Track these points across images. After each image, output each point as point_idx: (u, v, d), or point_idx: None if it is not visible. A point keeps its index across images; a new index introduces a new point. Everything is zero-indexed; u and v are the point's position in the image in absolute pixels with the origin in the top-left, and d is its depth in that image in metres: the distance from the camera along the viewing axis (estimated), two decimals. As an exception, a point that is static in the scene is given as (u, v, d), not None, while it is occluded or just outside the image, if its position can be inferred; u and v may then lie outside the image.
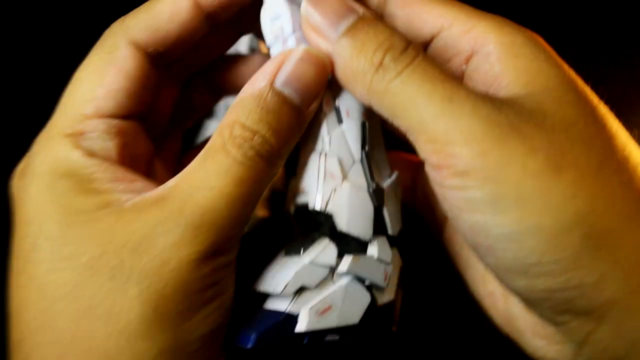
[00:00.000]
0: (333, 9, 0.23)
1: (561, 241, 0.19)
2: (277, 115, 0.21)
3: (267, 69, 0.22)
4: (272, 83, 0.22)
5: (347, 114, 0.24)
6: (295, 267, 0.23)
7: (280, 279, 0.23)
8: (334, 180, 0.24)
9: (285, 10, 0.24)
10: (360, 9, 0.23)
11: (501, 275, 0.21)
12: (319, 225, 0.24)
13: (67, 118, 0.22)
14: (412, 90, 0.20)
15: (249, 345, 0.22)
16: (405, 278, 0.27)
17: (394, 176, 0.26)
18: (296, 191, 0.26)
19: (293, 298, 0.23)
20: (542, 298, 0.20)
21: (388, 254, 0.25)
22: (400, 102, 0.21)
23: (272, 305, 0.23)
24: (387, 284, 0.25)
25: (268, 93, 0.21)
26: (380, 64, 0.21)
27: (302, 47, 0.23)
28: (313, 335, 0.23)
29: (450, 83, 0.20)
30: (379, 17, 0.26)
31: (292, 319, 0.23)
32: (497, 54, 0.22)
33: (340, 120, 0.25)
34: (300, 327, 0.22)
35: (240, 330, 0.23)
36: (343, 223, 0.24)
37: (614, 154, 0.20)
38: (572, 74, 0.22)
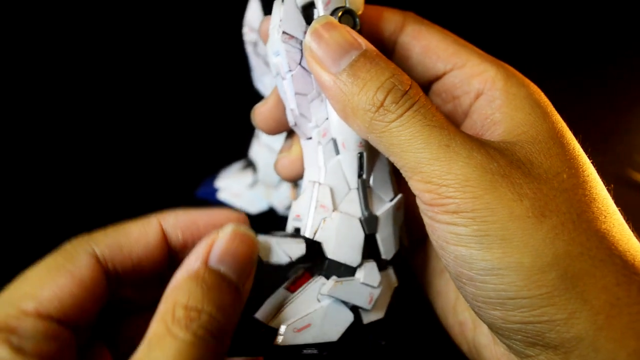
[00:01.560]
0: (336, 42, 0.23)
1: (538, 279, 0.20)
2: (218, 292, 0.20)
3: (199, 250, 0.21)
4: (206, 263, 0.21)
5: (344, 145, 0.26)
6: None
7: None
8: (324, 211, 0.26)
9: (281, 50, 0.25)
10: (363, 44, 0.23)
11: (478, 305, 0.23)
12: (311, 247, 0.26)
13: (2, 310, 0.20)
14: (411, 133, 0.22)
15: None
16: (400, 295, 0.28)
17: (395, 200, 0.27)
18: (294, 215, 0.28)
19: (276, 313, 0.25)
20: (515, 329, 0.22)
21: (375, 278, 0.26)
22: (398, 142, 0.22)
23: (260, 314, 0.25)
24: (373, 306, 0.26)
25: (205, 272, 0.21)
26: (382, 104, 0.22)
27: (230, 227, 0.22)
28: (290, 348, 0.25)
29: (448, 129, 0.22)
30: (391, 46, 0.27)
31: (273, 331, 0.24)
32: (501, 103, 0.24)
33: (337, 152, 0.26)
34: (278, 341, 0.24)
35: None
36: (330, 251, 0.26)
37: (593, 203, 0.22)
38: (562, 126, 0.24)
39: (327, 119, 0.26)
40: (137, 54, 0.58)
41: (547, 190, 0.21)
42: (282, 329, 0.24)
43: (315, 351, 0.25)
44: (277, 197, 0.49)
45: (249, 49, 0.42)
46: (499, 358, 0.25)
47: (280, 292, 0.26)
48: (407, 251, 0.30)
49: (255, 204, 0.51)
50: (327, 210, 0.26)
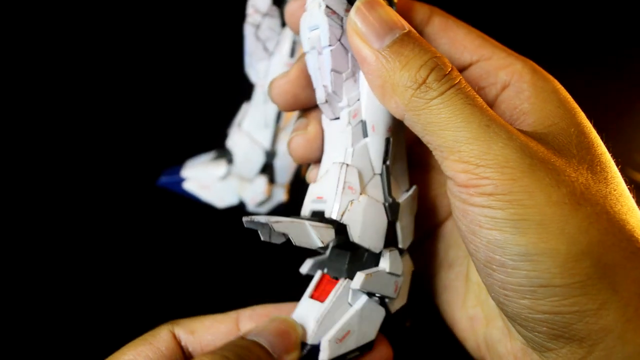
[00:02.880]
0: (381, 19, 0.23)
1: (572, 267, 0.20)
2: (246, 351, 0.22)
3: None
4: (242, 336, 0.23)
5: (373, 128, 0.25)
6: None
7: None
8: (352, 193, 0.25)
9: (323, 23, 0.24)
10: (406, 25, 0.24)
11: (505, 294, 0.22)
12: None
13: None
14: (452, 111, 0.22)
15: None
16: (416, 279, 0.28)
17: (411, 190, 0.27)
18: (314, 197, 0.26)
19: (315, 330, 0.24)
20: (541, 320, 0.21)
21: (399, 266, 0.26)
22: (437, 120, 0.22)
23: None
24: (398, 294, 0.26)
25: (239, 339, 0.23)
26: (424, 82, 0.22)
27: (271, 317, 0.24)
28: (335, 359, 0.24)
29: (488, 111, 0.22)
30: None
31: (315, 349, 0.23)
32: (529, 94, 0.25)
33: (365, 134, 0.25)
34: (323, 357, 0.23)
35: None
36: (356, 235, 0.25)
37: (621, 198, 0.23)
38: (588, 123, 0.25)
39: (359, 99, 0.25)
40: (105, 37, 0.54)
41: (582, 180, 0.22)
42: (324, 343, 0.23)
43: (358, 353, 0.25)
44: (251, 192, 0.47)
45: (249, 31, 0.41)
46: (515, 353, 0.25)
47: (306, 302, 0.25)
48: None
49: (225, 198, 0.49)
50: (355, 192, 0.25)
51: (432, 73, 0.22)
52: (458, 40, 0.27)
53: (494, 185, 0.21)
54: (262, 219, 0.23)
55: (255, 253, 0.47)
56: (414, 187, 0.28)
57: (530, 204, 0.21)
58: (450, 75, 0.22)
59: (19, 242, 0.49)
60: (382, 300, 0.26)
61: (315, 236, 0.24)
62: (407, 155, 0.29)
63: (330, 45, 0.25)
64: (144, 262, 0.51)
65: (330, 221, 0.25)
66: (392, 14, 0.24)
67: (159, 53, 0.55)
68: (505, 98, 0.26)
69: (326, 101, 0.26)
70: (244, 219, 0.23)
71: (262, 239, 0.24)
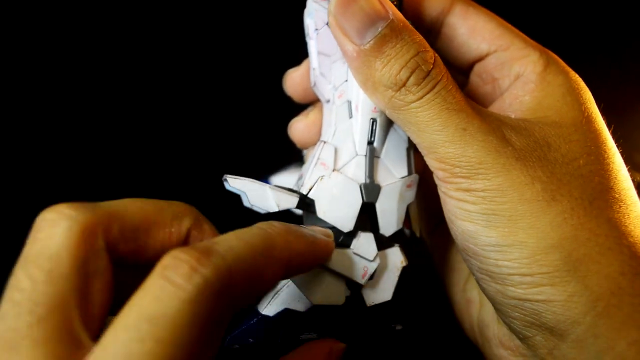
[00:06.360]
0: (362, 11, 0.23)
1: (541, 259, 0.21)
2: None
3: None
4: None
5: (357, 108, 0.25)
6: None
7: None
8: (324, 169, 0.25)
9: (312, 9, 0.26)
10: (390, 12, 0.23)
11: (482, 277, 0.23)
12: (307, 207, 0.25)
13: None
14: (429, 116, 0.22)
15: (225, 344, 0.24)
16: (411, 277, 0.27)
17: (407, 178, 0.26)
18: (299, 175, 0.27)
19: (270, 300, 0.24)
20: (513, 305, 0.22)
21: (370, 250, 0.25)
22: (415, 122, 0.22)
23: (260, 304, 0.25)
24: (368, 281, 0.25)
25: None
26: (404, 84, 0.22)
27: None
28: (286, 335, 0.24)
29: (466, 112, 0.22)
30: (439, 25, 0.27)
31: (267, 320, 0.24)
32: (534, 87, 0.24)
33: (350, 114, 0.26)
34: (268, 311, 0.24)
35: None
36: (321, 210, 0.25)
37: (609, 192, 0.22)
38: (591, 116, 0.23)
39: (346, 80, 0.26)
40: (203, 48, 0.56)
41: (560, 175, 0.21)
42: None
43: (314, 335, 0.25)
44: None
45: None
46: (501, 337, 0.24)
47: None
48: (418, 240, 0.28)
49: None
50: (327, 168, 0.25)
51: (413, 75, 0.22)
52: (477, 30, 0.26)
53: (468, 184, 0.22)
54: (227, 176, 0.24)
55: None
56: (411, 175, 0.27)
57: (503, 200, 0.21)
58: (430, 76, 0.22)
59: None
60: (359, 293, 0.25)
61: (273, 200, 0.24)
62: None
63: (316, 30, 0.26)
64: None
65: (299, 195, 0.25)
66: (373, 2, 0.23)
67: (237, 67, 0.57)
68: (512, 88, 0.25)
69: (314, 84, 0.27)
70: (223, 178, 0.24)
71: (244, 204, 0.25)
